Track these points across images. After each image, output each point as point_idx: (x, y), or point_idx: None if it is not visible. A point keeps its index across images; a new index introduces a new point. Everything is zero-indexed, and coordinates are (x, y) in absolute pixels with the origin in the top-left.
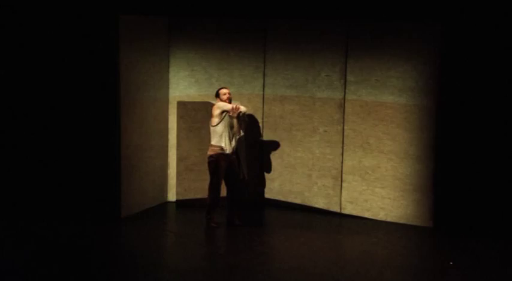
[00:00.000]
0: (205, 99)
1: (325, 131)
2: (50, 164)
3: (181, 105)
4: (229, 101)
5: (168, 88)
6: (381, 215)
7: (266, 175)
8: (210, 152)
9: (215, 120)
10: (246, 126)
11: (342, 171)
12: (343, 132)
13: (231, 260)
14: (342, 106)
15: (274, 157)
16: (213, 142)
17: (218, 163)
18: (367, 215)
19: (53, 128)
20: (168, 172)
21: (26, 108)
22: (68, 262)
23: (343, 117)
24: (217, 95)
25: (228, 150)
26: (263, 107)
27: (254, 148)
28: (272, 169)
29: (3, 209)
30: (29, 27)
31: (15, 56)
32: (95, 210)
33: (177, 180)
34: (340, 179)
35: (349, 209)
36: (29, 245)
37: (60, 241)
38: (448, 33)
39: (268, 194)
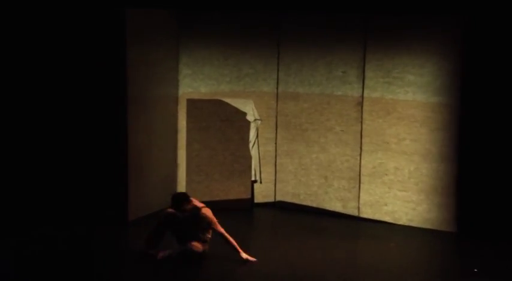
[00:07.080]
0: (216, 97)
1: (342, 130)
2: (55, 165)
3: (191, 103)
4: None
5: (177, 85)
6: (402, 220)
7: (279, 176)
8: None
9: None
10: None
11: (360, 172)
12: (361, 132)
13: (239, 267)
14: (359, 104)
15: (288, 158)
16: None
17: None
18: (386, 219)
19: (57, 128)
20: (178, 173)
21: (29, 108)
22: (73, 265)
23: (361, 116)
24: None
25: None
26: (276, 105)
27: (267, 149)
28: (286, 170)
29: (8, 211)
30: (33, 23)
31: (17, 53)
32: (101, 213)
33: (186, 182)
34: (358, 181)
35: (367, 213)
36: (33, 247)
37: (65, 244)
38: (472, 26)
39: (281, 197)
